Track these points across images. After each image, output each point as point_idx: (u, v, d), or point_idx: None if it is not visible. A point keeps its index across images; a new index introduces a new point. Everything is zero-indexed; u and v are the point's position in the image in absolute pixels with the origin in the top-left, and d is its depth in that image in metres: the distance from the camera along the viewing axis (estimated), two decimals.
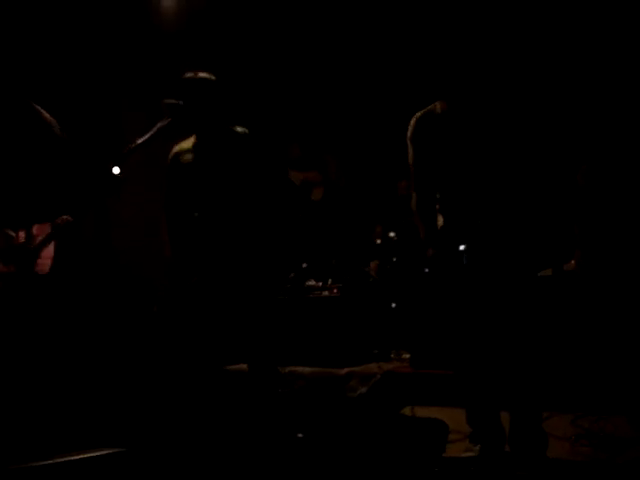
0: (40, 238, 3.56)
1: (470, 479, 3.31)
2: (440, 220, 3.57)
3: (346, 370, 5.05)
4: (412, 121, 3.59)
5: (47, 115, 3.78)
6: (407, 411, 4.28)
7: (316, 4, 7.00)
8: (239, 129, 3.84)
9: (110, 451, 2.88)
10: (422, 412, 4.29)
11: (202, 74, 3.80)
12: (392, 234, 6.13)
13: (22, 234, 3.56)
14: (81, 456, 2.81)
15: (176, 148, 3.98)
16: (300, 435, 3.76)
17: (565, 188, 5.28)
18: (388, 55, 7.14)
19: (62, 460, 2.76)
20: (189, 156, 3.89)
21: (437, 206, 3.58)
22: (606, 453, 3.53)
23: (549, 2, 6.22)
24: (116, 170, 3.31)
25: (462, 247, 3.36)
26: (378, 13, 6.92)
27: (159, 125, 3.64)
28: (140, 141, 3.64)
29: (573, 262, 5.11)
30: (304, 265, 6.14)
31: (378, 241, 6.28)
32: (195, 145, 3.89)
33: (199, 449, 3.56)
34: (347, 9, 7.00)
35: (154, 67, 6.54)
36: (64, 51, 6.14)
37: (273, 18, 7.16)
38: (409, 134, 3.59)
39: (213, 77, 3.83)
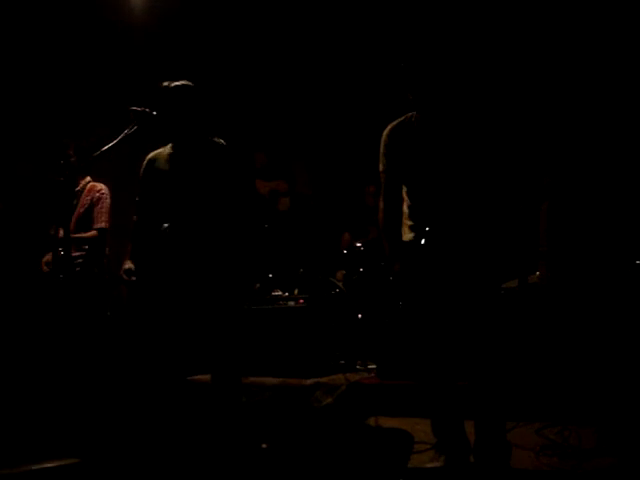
0: None
1: None
2: (410, 235, 3.55)
3: (312, 381, 5.02)
4: (386, 130, 3.59)
5: None
6: (372, 422, 4.26)
7: (284, 13, 7.00)
8: (218, 140, 3.83)
9: (65, 462, 2.82)
10: (388, 423, 4.27)
11: (178, 82, 3.78)
12: (359, 244, 6.13)
13: None
14: (35, 467, 2.75)
15: (151, 155, 3.96)
16: (264, 445, 3.72)
17: (531, 200, 5.31)
18: (355, 64, 7.15)
19: (17, 471, 2.69)
20: (164, 164, 3.87)
21: (408, 221, 3.56)
22: (570, 464, 3.53)
23: (518, 17, 6.28)
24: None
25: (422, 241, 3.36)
26: (348, 25, 6.94)
27: (125, 132, 3.64)
28: (106, 147, 3.64)
29: (538, 273, 5.14)
30: (270, 275, 6.11)
31: (345, 251, 6.27)
32: (171, 153, 3.87)
33: (159, 460, 3.51)
34: (316, 19, 7.01)
35: (125, 83, 6.58)
36: (41, 67, 6.22)
37: (238, 28, 7.15)
38: (383, 141, 3.58)
39: (190, 84, 3.82)
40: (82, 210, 5.16)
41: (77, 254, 5.12)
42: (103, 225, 5.16)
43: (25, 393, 4.35)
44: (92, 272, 5.14)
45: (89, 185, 5.28)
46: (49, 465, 2.79)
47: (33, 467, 2.71)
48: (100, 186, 5.28)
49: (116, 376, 4.55)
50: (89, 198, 5.20)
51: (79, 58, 6.73)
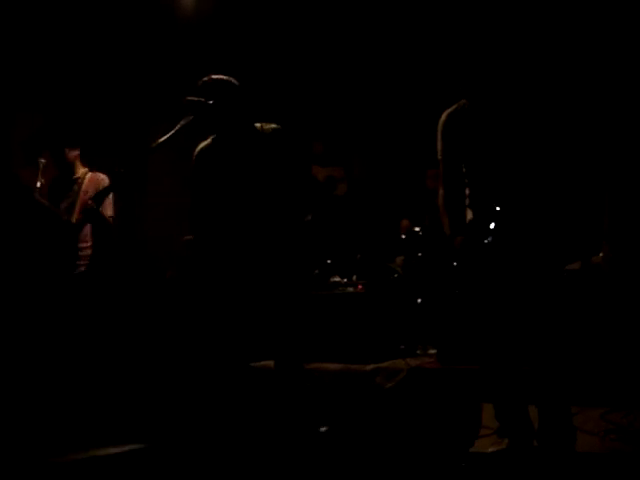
0: None
1: (498, 474, 3.28)
2: (469, 215, 3.55)
3: (372, 366, 5.03)
4: (443, 116, 3.60)
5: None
6: (433, 406, 4.25)
7: (341, 4, 7.01)
8: (266, 126, 3.83)
9: (130, 447, 2.88)
10: (448, 407, 4.26)
11: (216, 76, 3.79)
12: (417, 229, 6.10)
13: None
14: (101, 452, 2.82)
15: (201, 145, 3.99)
16: (323, 429, 3.75)
17: (594, 180, 5.23)
18: (410, 52, 7.12)
19: (83, 457, 2.76)
20: (212, 154, 3.89)
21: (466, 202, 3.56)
22: (635, 447, 3.48)
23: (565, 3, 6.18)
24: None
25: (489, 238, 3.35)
26: (402, 13, 6.92)
27: (182, 123, 3.65)
28: (163, 139, 3.66)
29: (601, 255, 5.05)
30: (329, 261, 6.12)
31: (403, 236, 6.25)
32: (215, 143, 3.89)
33: (222, 445, 3.56)
34: (373, 7, 7.00)
35: (179, 74, 6.65)
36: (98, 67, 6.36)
37: (295, 17, 7.17)
38: (439, 129, 3.60)
39: (227, 78, 3.81)
40: (86, 198, 5.10)
41: (85, 245, 5.17)
42: (110, 213, 5.15)
43: (92, 380, 4.46)
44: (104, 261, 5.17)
45: (89, 175, 5.25)
46: (115, 450, 2.85)
47: (99, 452, 2.77)
48: (102, 176, 5.22)
49: (180, 363, 4.62)
50: (94, 188, 5.16)
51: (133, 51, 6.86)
